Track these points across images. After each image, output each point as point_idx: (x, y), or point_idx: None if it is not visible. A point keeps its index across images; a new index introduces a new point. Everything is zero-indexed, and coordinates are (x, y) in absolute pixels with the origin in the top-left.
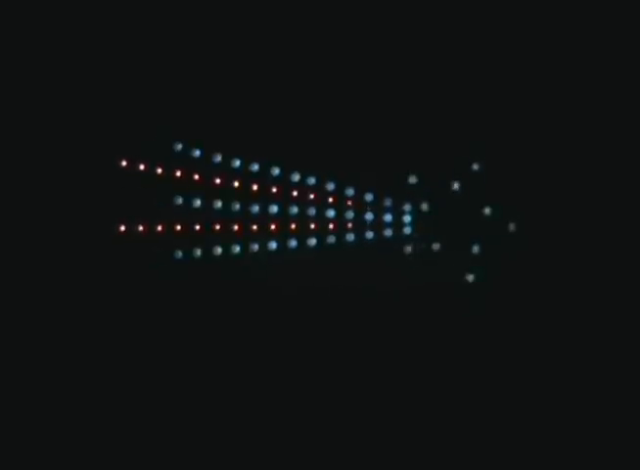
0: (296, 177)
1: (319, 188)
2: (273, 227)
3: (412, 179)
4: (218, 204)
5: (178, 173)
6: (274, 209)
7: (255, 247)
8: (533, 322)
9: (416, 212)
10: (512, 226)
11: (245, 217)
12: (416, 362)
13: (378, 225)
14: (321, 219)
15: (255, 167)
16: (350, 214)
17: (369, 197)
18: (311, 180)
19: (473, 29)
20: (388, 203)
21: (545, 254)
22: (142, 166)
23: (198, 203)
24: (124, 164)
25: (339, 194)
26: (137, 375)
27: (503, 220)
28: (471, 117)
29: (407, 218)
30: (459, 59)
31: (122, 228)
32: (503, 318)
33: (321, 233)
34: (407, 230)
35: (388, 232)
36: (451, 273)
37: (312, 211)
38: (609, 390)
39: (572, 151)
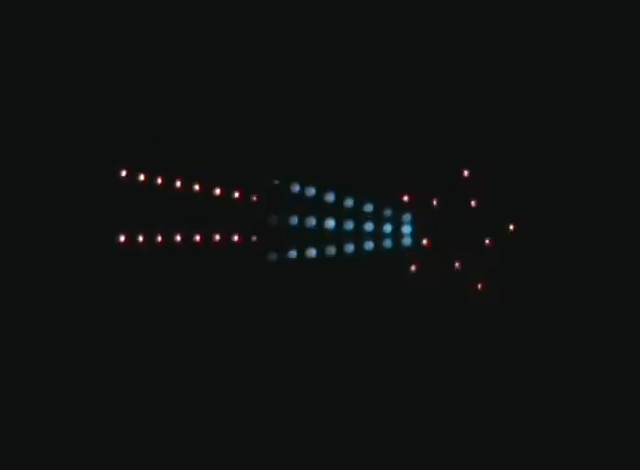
0: (295, 188)
1: (318, 198)
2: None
3: (411, 189)
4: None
5: (178, 184)
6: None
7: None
8: (535, 325)
9: (416, 223)
10: (511, 230)
11: (245, 228)
12: (417, 370)
13: (377, 236)
14: (320, 230)
15: (255, 178)
16: (350, 225)
17: (368, 207)
18: (311, 191)
19: (469, 41)
20: (387, 213)
21: (546, 257)
22: (142, 177)
23: (198, 213)
24: (124, 174)
25: (338, 204)
26: (135, 385)
27: (504, 226)
28: (469, 127)
29: (407, 229)
30: (456, 69)
31: (122, 239)
32: (504, 324)
33: (320, 244)
34: (407, 241)
35: (388, 243)
36: (452, 281)
37: (312, 222)
38: (609, 390)
39: (572, 152)
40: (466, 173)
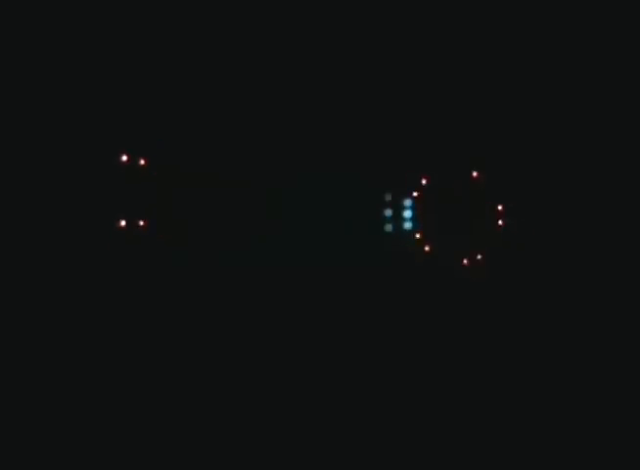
0: None
1: None
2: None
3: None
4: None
5: (179, 169)
6: None
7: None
8: (532, 320)
9: (416, 208)
10: (512, 224)
11: (246, 212)
12: (414, 356)
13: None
14: None
15: (257, 162)
16: None
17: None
18: None
19: (473, 34)
20: (388, 198)
21: (544, 251)
22: (142, 162)
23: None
24: (125, 159)
25: None
26: (136, 368)
27: (503, 217)
28: (471, 115)
29: (408, 213)
30: (458, 58)
31: (123, 223)
32: (502, 315)
33: None
34: (408, 225)
35: (389, 227)
36: (451, 268)
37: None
38: (608, 390)
39: (573, 151)
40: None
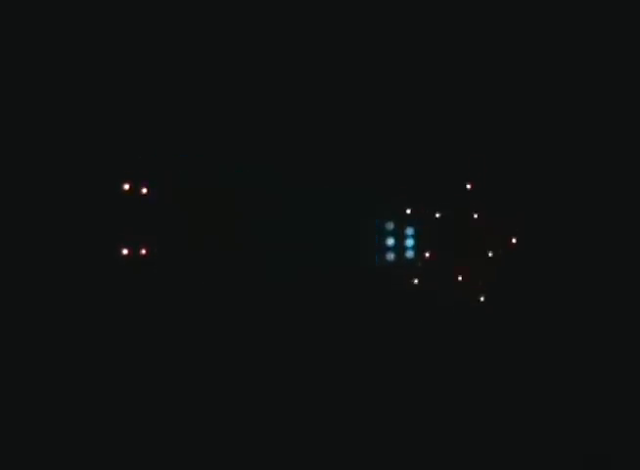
0: None
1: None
2: None
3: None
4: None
5: (180, 197)
6: None
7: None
8: (535, 337)
9: (418, 236)
10: (513, 243)
11: (248, 241)
12: (419, 384)
13: (380, 249)
14: None
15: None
16: None
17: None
18: None
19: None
20: (390, 227)
21: (547, 269)
22: (144, 190)
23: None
24: (127, 187)
25: None
26: (137, 395)
27: (505, 238)
28: (468, 137)
29: (410, 242)
30: (456, 85)
31: (125, 252)
32: (504, 335)
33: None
34: (410, 254)
35: (391, 256)
36: (453, 294)
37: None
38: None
39: (572, 164)
40: (469, 186)
